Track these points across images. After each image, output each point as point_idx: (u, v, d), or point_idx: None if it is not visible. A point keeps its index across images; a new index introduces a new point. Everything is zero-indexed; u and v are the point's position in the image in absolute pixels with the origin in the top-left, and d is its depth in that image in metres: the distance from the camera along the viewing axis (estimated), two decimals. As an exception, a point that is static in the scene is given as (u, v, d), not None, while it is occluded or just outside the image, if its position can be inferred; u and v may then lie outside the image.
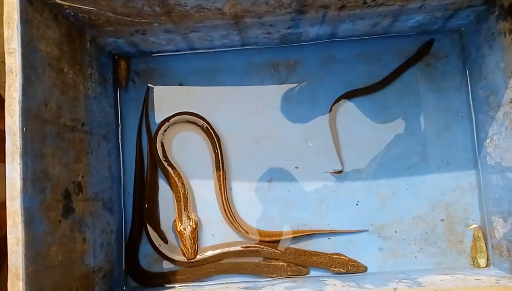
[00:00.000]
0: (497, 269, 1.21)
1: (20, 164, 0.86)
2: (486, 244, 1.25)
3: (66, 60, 1.06)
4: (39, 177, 0.91)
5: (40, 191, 0.91)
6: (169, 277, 1.28)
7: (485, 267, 1.24)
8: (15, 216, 0.85)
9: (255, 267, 1.27)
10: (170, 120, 1.33)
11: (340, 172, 1.30)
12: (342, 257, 1.27)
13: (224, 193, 1.29)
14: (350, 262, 1.26)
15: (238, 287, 1.20)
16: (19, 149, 0.86)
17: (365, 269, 1.27)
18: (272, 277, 1.27)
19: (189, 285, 1.27)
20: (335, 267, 1.26)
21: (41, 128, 0.94)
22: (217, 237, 1.32)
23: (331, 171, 1.31)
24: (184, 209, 1.28)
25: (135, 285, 1.30)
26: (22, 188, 0.86)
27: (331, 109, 1.32)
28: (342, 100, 1.33)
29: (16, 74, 0.88)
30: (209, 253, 1.28)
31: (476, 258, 1.25)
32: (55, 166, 0.98)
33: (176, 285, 1.27)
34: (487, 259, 1.24)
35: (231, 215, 1.28)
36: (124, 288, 1.29)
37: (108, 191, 1.24)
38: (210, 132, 1.32)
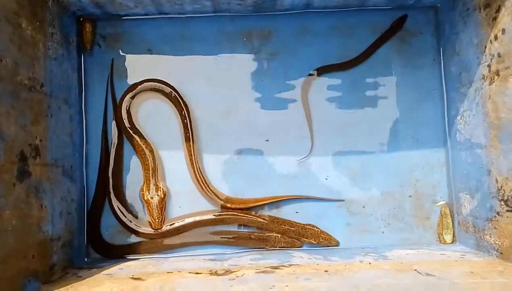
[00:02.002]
0: (462, 245, 1.22)
1: (-31, 120, 0.80)
2: (452, 220, 1.26)
3: (25, 16, 0.99)
4: (-9, 136, 0.85)
5: (-8, 150, 0.86)
6: (136, 248, 1.25)
7: (451, 243, 1.25)
8: (-37, 175, 0.79)
9: (248, 238, 1.25)
10: (137, 88, 1.28)
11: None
12: (315, 229, 1.25)
13: (195, 162, 1.26)
14: (322, 234, 1.25)
15: (204, 259, 1.18)
16: (-32, 104, 0.80)
17: (336, 244, 1.25)
18: (265, 248, 1.24)
19: (154, 257, 1.23)
20: (306, 238, 1.24)
21: (-5, 85, 0.87)
22: (184, 208, 1.28)
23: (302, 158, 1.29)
24: (152, 177, 1.24)
25: (98, 256, 1.25)
26: (-29, 145, 0.80)
27: (304, 83, 1.29)
28: (315, 76, 1.30)
29: (-34, 24, 0.82)
30: (180, 223, 1.25)
31: (442, 234, 1.26)
32: (10, 126, 0.91)
33: (141, 257, 1.23)
34: (453, 236, 1.25)
35: (204, 184, 1.25)
36: (86, 260, 1.24)
37: (69, 158, 1.19)
38: (178, 101, 1.28)
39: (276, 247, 1.24)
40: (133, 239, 1.26)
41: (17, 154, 0.94)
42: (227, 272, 1.02)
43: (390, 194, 1.28)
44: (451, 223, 1.26)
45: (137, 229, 1.25)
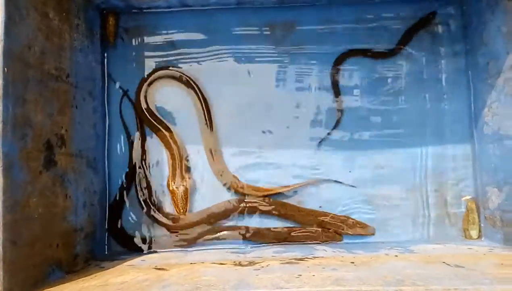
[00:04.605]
0: (489, 240, 1.19)
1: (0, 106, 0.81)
2: (478, 215, 1.23)
3: (52, 6, 1.00)
4: (20, 123, 0.86)
5: (20, 137, 0.86)
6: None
7: (476, 238, 1.22)
8: (-8, 160, 0.80)
9: (288, 235, 1.23)
10: (151, 76, 1.29)
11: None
12: (350, 220, 1.23)
13: (214, 152, 1.26)
14: (358, 224, 1.23)
15: (226, 252, 1.17)
16: (-1, 90, 0.81)
17: (373, 231, 1.23)
18: (306, 243, 1.23)
19: (175, 250, 1.23)
20: (342, 229, 1.23)
21: (24, 72, 0.88)
22: (205, 202, 1.27)
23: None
24: (178, 168, 1.24)
25: (119, 249, 1.25)
26: (1, 131, 0.80)
27: (337, 62, 1.29)
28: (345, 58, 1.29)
29: (-3, 11, 0.82)
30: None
31: (468, 229, 1.23)
32: (37, 114, 0.92)
33: (164, 250, 1.23)
34: (479, 231, 1.22)
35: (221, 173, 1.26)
36: (107, 252, 1.24)
37: (93, 149, 1.19)
38: (197, 92, 1.28)
39: (318, 241, 1.22)
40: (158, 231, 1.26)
41: (44, 142, 0.95)
42: (251, 263, 1.01)
43: (414, 189, 1.26)
44: (477, 218, 1.23)
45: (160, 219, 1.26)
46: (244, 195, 1.26)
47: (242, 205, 1.25)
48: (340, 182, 1.26)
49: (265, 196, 1.25)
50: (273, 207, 1.24)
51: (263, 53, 1.30)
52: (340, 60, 1.29)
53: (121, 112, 1.29)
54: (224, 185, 1.27)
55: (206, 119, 1.27)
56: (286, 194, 1.26)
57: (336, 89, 1.28)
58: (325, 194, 1.26)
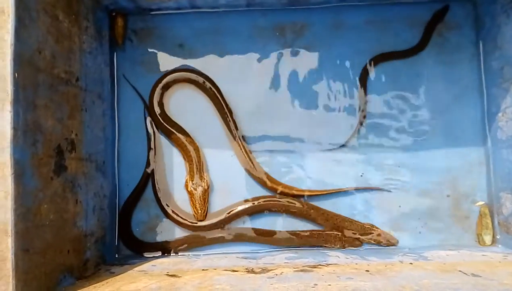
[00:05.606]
0: (503, 247, 1.18)
1: (10, 112, 0.79)
2: (492, 221, 1.21)
3: (61, 8, 0.98)
4: (31, 128, 0.84)
5: (31, 143, 0.84)
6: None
7: (490, 244, 1.20)
8: (4, 167, 0.78)
9: (307, 238, 1.22)
10: (166, 78, 1.27)
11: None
12: (375, 228, 1.22)
13: (243, 147, 1.25)
14: (383, 234, 1.21)
15: (237, 257, 1.16)
16: (10, 96, 0.79)
17: (396, 243, 1.22)
18: (325, 247, 1.21)
19: (185, 255, 1.22)
20: (367, 234, 1.21)
21: (34, 77, 0.86)
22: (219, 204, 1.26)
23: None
24: (196, 168, 1.22)
25: (129, 253, 1.24)
26: (12, 138, 0.79)
27: (365, 72, 1.27)
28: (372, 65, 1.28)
29: (8, 15, 0.81)
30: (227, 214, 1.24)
31: (481, 235, 1.21)
32: (48, 119, 0.91)
33: (173, 254, 1.22)
34: (493, 236, 1.21)
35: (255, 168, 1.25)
36: (117, 256, 1.23)
37: (102, 153, 1.18)
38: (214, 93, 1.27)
39: (337, 246, 1.21)
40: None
41: (55, 147, 0.93)
42: (264, 270, 0.99)
43: (427, 193, 1.24)
44: (490, 223, 1.21)
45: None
46: (277, 193, 1.25)
47: (255, 203, 1.23)
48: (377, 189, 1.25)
49: (294, 196, 1.24)
50: (295, 205, 1.23)
51: (274, 55, 1.28)
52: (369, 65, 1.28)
53: (145, 119, 1.28)
54: (260, 183, 1.25)
55: (229, 122, 1.26)
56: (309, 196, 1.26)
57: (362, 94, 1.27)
58: (335, 200, 1.25)
